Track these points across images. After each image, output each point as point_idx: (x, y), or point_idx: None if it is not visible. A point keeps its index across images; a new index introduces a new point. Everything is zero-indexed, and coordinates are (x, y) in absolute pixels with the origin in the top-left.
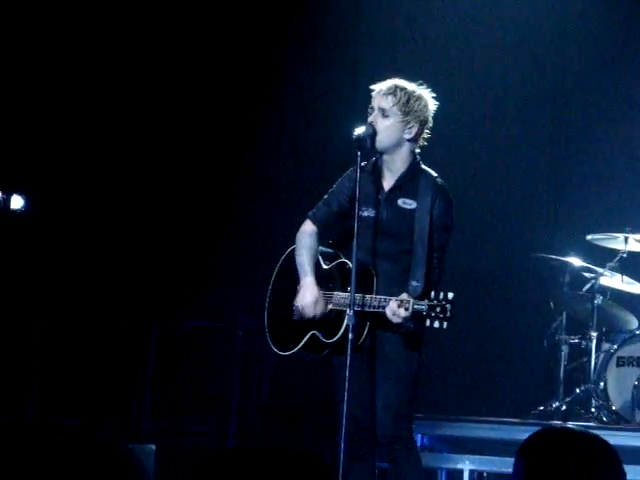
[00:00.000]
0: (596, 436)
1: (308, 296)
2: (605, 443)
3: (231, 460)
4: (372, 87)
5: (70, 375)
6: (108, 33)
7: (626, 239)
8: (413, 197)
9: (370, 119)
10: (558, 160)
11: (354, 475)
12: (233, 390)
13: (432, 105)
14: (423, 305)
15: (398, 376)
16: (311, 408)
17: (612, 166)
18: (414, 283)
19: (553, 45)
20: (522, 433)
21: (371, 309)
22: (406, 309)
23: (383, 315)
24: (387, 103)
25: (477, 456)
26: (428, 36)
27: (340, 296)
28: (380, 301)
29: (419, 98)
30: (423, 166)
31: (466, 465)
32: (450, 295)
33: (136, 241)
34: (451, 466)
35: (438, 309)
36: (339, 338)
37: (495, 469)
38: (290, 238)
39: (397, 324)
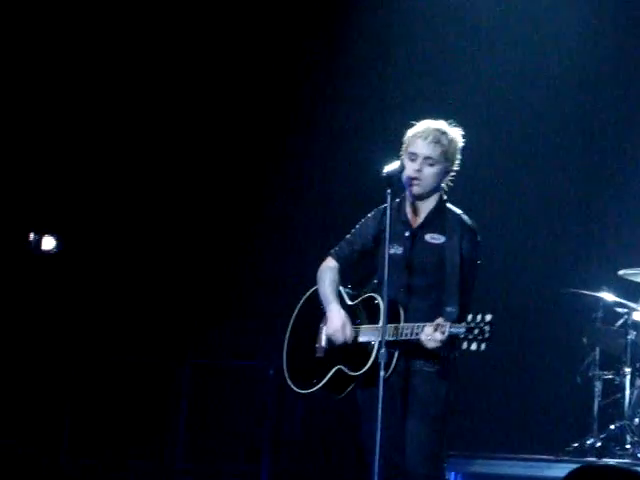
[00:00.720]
0: (637, 472)
1: (336, 321)
2: None
3: None
4: (411, 132)
5: (104, 415)
6: (134, 57)
7: None
8: (441, 232)
9: (416, 167)
10: (590, 194)
11: None
12: (266, 429)
13: (461, 143)
14: (460, 328)
15: (428, 416)
16: (343, 446)
17: None
18: (449, 309)
19: (585, 75)
20: (556, 470)
21: (404, 337)
22: (442, 332)
23: (414, 347)
24: (434, 152)
25: None
26: (457, 67)
27: (368, 328)
28: (414, 328)
29: (457, 143)
30: (448, 204)
31: None
32: (488, 317)
33: (168, 279)
34: None
35: (476, 331)
36: (367, 370)
37: None
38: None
39: (428, 353)
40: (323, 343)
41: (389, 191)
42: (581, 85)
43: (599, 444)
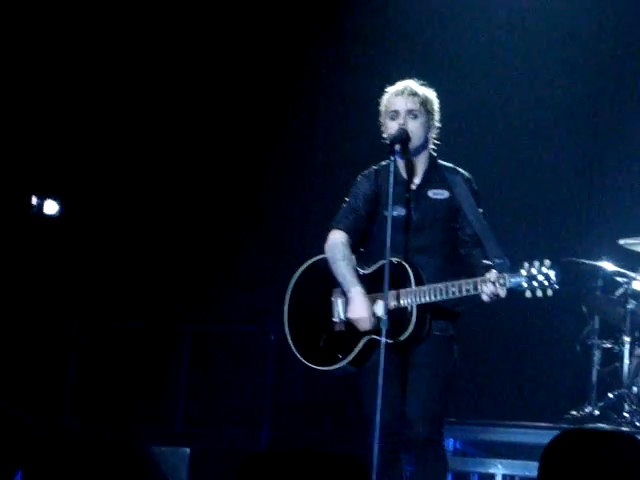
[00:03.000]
0: (625, 433)
1: (361, 309)
2: (635, 439)
3: (269, 464)
4: (388, 90)
5: (106, 378)
6: (141, 43)
7: None
8: (443, 187)
9: (400, 122)
10: (591, 164)
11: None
12: (266, 393)
13: (436, 98)
14: (521, 277)
15: (436, 378)
16: (344, 411)
17: None
18: (497, 260)
19: (587, 44)
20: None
21: (450, 296)
22: (502, 285)
23: (432, 310)
24: (414, 104)
25: (509, 460)
26: (458, 40)
27: (405, 290)
28: (461, 285)
29: (432, 96)
30: (439, 160)
31: (498, 469)
32: (548, 262)
33: (168, 244)
34: (483, 470)
35: (541, 277)
36: (410, 334)
37: (527, 474)
38: (322, 242)
39: (446, 314)
40: (342, 316)
41: (392, 157)
42: (581, 50)
43: (597, 412)
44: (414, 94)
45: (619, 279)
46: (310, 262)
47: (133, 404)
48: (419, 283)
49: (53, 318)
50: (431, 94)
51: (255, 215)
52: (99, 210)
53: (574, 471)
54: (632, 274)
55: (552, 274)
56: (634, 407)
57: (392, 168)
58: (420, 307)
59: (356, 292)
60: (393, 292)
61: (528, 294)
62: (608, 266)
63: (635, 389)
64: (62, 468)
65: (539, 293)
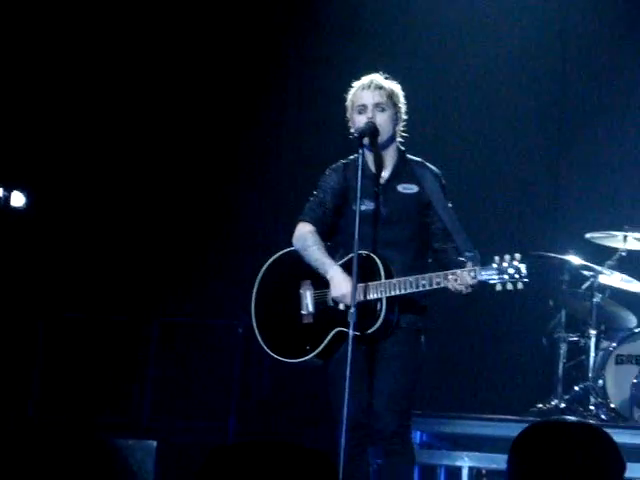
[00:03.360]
0: (592, 425)
1: (345, 285)
2: (601, 431)
3: (236, 456)
4: (351, 91)
5: (70, 371)
6: (109, 29)
7: (625, 237)
8: (411, 182)
9: (368, 115)
10: (557, 158)
11: (350, 473)
12: (233, 386)
13: (401, 91)
14: (492, 270)
15: (404, 371)
16: (311, 404)
17: (611, 164)
18: (468, 253)
19: (553, 39)
20: (520, 430)
21: (420, 289)
22: (473, 277)
23: (401, 302)
24: (382, 97)
25: (476, 453)
26: (427, 33)
27: (375, 283)
28: (432, 278)
29: (398, 89)
30: (408, 154)
31: (465, 462)
32: (518, 256)
33: (136, 236)
34: (450, 463)
35: (511, 270)
36: (379, 327)
37: (494, 466)
38: (290, 236)
39: (414, 307)
40: (310, 308)
41: (361, 151)
42: (547, 45)
43: (563, 405)
44: (380, 87)
45: (585, 273)
46: (277, 255)
47: (100, 397)
48: (389, 276)
49: (20, 310)
50: (397, 87)
51: (224, 208)
52: (67, 202)
53: (543, 463)
54: (598, 268)
55: (522, 267)
56: (599, 400)
57: (360, 161)
58: (389, 300)
59: (335, 271)
60: (362, 285)
61: (499, 287)
62: (575, 260)
63: (601, 382)
64: (29, 460)
65: (509, 286)
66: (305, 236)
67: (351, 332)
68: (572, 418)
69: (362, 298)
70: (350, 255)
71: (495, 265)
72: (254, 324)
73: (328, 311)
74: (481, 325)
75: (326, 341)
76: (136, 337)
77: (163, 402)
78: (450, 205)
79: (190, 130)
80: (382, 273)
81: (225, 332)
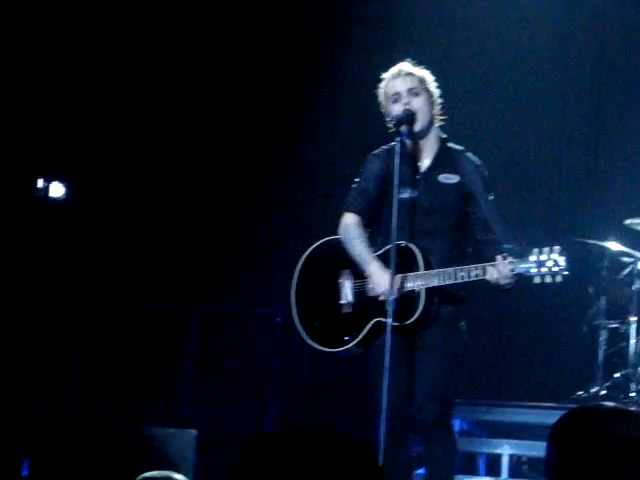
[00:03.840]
0: (630, 410)
1: (383, 282)
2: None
3: (275, 444)
4: (383, 83)
5: (112, 360)
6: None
7: None
8: (453, 172)
9: (404, 101)
10: (595, 144)
11: (390, 461)
12: (272, 375)
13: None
14: (530, 263)
15: (446, 359)
16: (351, 393)
17: None
18: (507, 246)
19: (591, 21)
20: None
21: (458, 280)
22: (511, 270)
23: (440, 292)
24: (413, 82)
25: (516, 441)
26: (460, 21)
27: (414, 274)
28: (470, 270)
29: (426, 73)
30: (449, 143)
31: (505, 450)
32: (557, 248)
33: (176, 226)
34: (490, 451)
35: (550, 263)
36: (418, 317)
37: (534, 453)
38: (329, 224)
39: (452, 295)
40: (350, 298)
41: (398, 139)
42: (584, 32)
43: (604, 392)
44: (410, 74)
45: (625, 259)
46: (316, 245)
47: (139, 386)
48: (428, 267)
49: (60, 301)
50: (426, 73)
51: (264, 198)
52: (106, 193)
53: (582, 449)
54: (638, 254)
55: (561, 260)
56: None
57: (398, 149)
58: (428, 291)
59: (375, 267)
60: (401, 275)
61: (537, 280)
62: (614, 246)
63: None
64: (69, 452)
65: (548, 279)
66: (349, 228)
67: (389, 321)
68: (610, 404)
69: (401, 289)
70: (388, 246)
71: (533, 258)
72: (294, 313)
73: (367, 301)
74: (521, 313)
75: (365, 331)
76: (176, 326)
77: (203, 391)
78: (492, 197)
79: (225, 123)
80: (421, 264)
81: (264, 321)
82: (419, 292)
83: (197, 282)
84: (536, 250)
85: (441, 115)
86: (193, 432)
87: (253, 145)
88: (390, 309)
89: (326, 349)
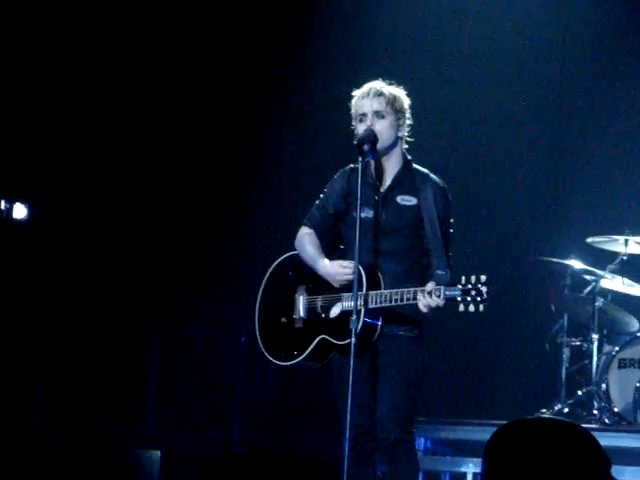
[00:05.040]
0: (563, 420)
1: (332, 270)
2: (574, 425)
3: (238, 464)
4: (354, 93)
5: (75, 380)
6: (106, 42)
7: (626, 241)
8: (411, 194)
9: (368, 123)
10: (558, 162)
11: None
12: (237, 395)
13: (406, 97)
14: (455, 291)
15: (404, 378)
16: (315, 412)
17: (612, 169)
18: (439, 272)
19: (553, 48)
20: None
21: (393, 303)
22: (438, 296)
23: (393, 313)
24: (380, 104)
25: (480, 459)
26: (427, 40)
27: (349, 295)
28: (403, 294)
29: (400, 95)
30: (414, 164)
31: (469, 468)
32: (483, 277)
33: (139, 246)
34: (454, 469)
35: (473, 292)
36: (356, 337)
37: None
38: (291, 244)
39: (407, 317)
40: (302, 314)
41: (360, 158)
42: (547, 54)
43: (567, 410)
44: (380, 94)
45: (587, 277)
46: (280, 259)
47: (104, 406)
48: (373, 287)
49: (23, 321)
50: (399, 93)
51: (227, 218)
52: (69, 214)
53: (513, 463)
54: (600, 272)
55: (484, 290)
56: (603, 404)
57: (360, 169)
58: (368, 311)
59: (324, 263)
60: (347, 294)
61: (461, 307)
62: (576, 264)
63: (604, 386)
64: (33, 472)
65: (471, 308)
66: (302, 237)
67: (353, 340)
68: (543, 416)
69: (345, 307)
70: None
71: (460, 286)
72: (256, 326)
73: (316, 318)
74: (484, 331)
75: (310, 347)
76: (140, 346)
77: (167, 411)
78: (452, 221)
79: (188, 140)
80: (364, 284)
81: (228, 341)
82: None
83: (161, 302)
84: (464, 278)
85: (409, 137)
86: (157, 453)
87: (216, 167)
88: (354, 327)
89: (279, 362)
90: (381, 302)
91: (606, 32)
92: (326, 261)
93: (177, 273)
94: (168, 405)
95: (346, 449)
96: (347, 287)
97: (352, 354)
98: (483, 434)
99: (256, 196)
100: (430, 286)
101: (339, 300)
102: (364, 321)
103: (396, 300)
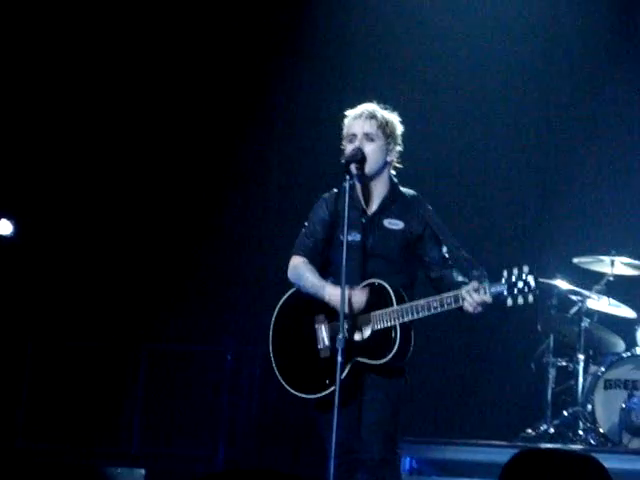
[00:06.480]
0: (582, 453)
1: (335, 295)
2: (591, 458)
3: None
4: (347, 113)
5: (59, 398)
6: (99, 52)
7: (612, 262)
8: (398, 218)
9: (357, 144)
10: (544, 183)
11: None
12: (222, 413)
13: (398, 122)
14: (501, 286)
15: (386, 400)
16: (300, 431)
17: (598, 189)
18: (475, 272)
19: (540, 65)
20: (509, 456)
21: (432, 311)
22: (485, 294)
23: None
24: (371, 127)
25: (465, 479)
26: (415, 51)
27: (380, 313)
28: (443, 300)
29: (393, 119)
30: (401, 187)
31: None
32: (526, 268)
33: (125, 263)
34: None
35: (520, 284)
36: (395, 353)
37: None
38: (280, 261)
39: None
40: (327, 342)
41: (347, 178)
42: (535, 71)
43: (552, 430)
44: (372, 117)
45: (573, 297)
46: (289, 294)
47: (88, 424)
48: (400, 302)
49: (7, 338)
50: (393, 118)
51: (212, 236)
52: (54, 231)
53: None
54: (586, 292)
55: (531, 279)
56: (588, 425)
57: (347, 188)
58: (402, 326)
59: (329, 289)
60: (376, 313)
61: (509, 302)
62: (562, 284)
63: (589, 407)
64: None
65: (520, 300)
66: (297, 266)
67: (339, 359)
68: (560, 446)
69: (376, 327)
70: (365, 282)
71: (504, 280)
72: (273, 365)
73: (345, 342)
74: (469, 351)
75: (346, 371)
76: (124, 363)
77: (152, 430)
78: (442, 221)
79: (178, 157)
80: (393, 299)
81: (213, 359)
82: (395, 329)
83: (147, 320)
84: (506, 272)
85: (399, 164)
86: (141, 471)
87: (201, 189)
88: (340, 347)
89: (308, 396)
90: (417, 313)
91: (592, 53)
92: (332, 286)
93: (163, 291)
94: (153, 423)
95: (331, 468)
96: (370, 307)
97: (337, 374)
98: (469, 454)
99: (242, 216)
100: (475, 285)
101: (368, 321)
102: (400, 336)
103: (435, 308)
